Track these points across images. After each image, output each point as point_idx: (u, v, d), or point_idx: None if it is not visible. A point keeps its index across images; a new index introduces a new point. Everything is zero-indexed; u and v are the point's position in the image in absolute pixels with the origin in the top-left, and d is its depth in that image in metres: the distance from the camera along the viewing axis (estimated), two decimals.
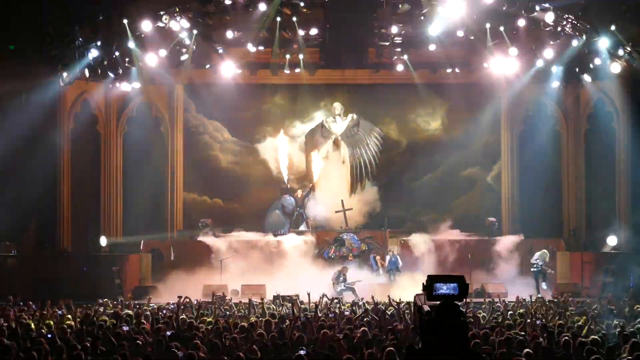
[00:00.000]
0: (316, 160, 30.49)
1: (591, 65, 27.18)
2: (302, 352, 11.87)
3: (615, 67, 26.71)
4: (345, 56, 29.01)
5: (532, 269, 26.20)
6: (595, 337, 12.74)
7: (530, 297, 20.39)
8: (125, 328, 14.27)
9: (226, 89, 30.16)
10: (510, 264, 26.89)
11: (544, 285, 25.82)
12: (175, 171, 30.44)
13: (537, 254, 26.30)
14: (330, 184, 30.84)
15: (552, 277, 26.49)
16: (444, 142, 31.02)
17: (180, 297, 18.74)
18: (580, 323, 15.29)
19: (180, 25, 26.33)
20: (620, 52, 26.16)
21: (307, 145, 30.91)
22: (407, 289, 23.22)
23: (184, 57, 28.13)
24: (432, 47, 28.02)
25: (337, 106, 30.86)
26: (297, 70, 29.37)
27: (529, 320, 15.67)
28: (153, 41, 26.69)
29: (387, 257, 27.25)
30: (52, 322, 15.30)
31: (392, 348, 11.43)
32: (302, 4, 26.67)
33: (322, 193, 30.70)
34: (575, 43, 26.42)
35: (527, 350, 11.73)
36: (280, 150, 30.30)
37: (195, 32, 26.80)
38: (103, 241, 27.61)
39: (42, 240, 27.29)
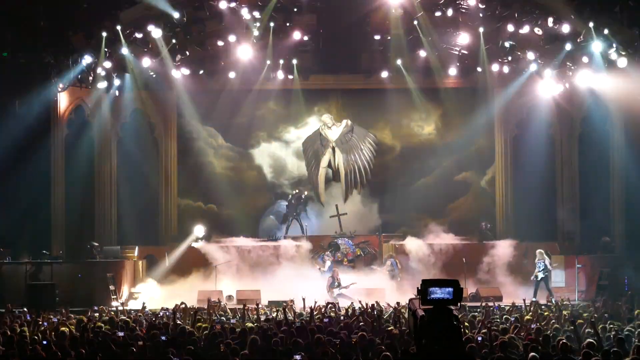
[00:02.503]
0: (321, 170, 30.58)
1: (584, 69, 27.17)
2: (297, 357, 11.85)
3: (607, 68, 26.69)
4: (339, 61, 29.06)
5: (540, 274, 25.21)
6: (591, 340, 12.73)
7: (524, 300, 20.39)
8: (121, 334, 14.24)
9: (220, 95, 30.21)
10: (504, 268, 26.83)
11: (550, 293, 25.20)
12: (170, 177, 30.43)
13: (546, 261, 25.38)
14: (325, 189, 30.90)
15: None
16: (437, 146, 31.07)
17: (178, 304, 18.74)
18: (575, 326, 15.28)
19: (173, 32, 26.32)
20: (614, 55, 26.16)
21: (306, 154, 30.94)
22: (403, 293, 23.23)
23: (177, 63, 28.15)
24: (424, 53, 28.14)
25: (327, 119, 30.86)
26: (291, 75, 29.43)
27: (524, 324, 15.67)
28: (147, 47, 26.71)
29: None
30: (47, 329, 15.25)
31: (387, 352, 11.42)
32: (295, 10, 26.73)
33: (317, 198, 30.82)
34: (568, 47, 26.41)
35: (533, 354, 11.64)
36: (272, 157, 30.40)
37: (188, 37, 26.81)
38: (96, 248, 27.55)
39: (37, 246, 27.20)
